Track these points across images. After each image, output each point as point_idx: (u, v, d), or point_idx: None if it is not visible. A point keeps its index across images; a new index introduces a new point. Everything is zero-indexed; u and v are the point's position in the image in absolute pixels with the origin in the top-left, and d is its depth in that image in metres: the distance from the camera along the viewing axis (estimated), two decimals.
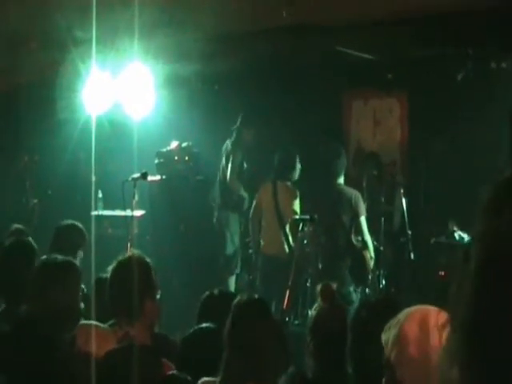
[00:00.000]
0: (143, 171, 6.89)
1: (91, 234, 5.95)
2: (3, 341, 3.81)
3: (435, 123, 8.49)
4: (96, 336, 3.63)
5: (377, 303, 3.37)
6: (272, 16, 6.94)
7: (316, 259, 7.61)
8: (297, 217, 7.51)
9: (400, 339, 2.19)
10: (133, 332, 3.67)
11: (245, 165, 8.65)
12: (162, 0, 6.54)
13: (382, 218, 7.88)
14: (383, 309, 2.92)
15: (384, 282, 7.79)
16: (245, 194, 8.56)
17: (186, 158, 9.24)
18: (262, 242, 7.91)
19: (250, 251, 8.39)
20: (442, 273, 7.50)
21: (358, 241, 7.56)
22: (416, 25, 7.31)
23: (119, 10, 6.24)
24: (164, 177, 9.29)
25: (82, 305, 4.26)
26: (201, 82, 9.46)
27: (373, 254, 7.55)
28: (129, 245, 6.51)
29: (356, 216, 7.50)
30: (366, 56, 8.44)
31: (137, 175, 6.83)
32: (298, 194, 7.73)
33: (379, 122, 9.37)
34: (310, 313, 4.12)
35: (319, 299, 3.67)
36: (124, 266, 3.79)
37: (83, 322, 3.91)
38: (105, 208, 9.19)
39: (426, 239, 8.06)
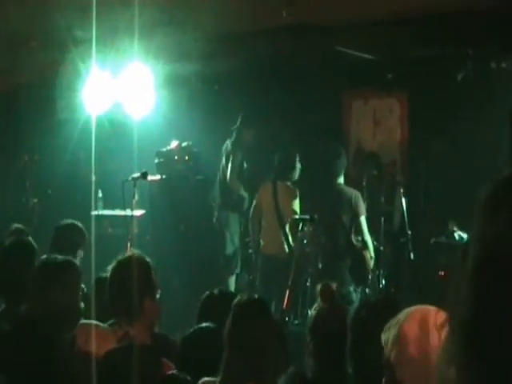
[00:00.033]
0: (143, 171, 6.89)
1: (91, 234, 5.95)
2: (3, 341, 3.81)
3: (435, 123, 8.49)
4: (96, 335, 3.63)
5: (377, 303, 3.37)
6: (272, 16, 6.94)
7: (316, 259, 7.61)
8: (297, 217, 7.50)
9: (400, 339, 2.19)
10: (133, 332, 3.67)
11: (245, 165, 8.65)
12: (162, 0, 6.54)
13: (382, 218, 7.89)
14: (383, 309, 2.92)
15: (384, 282, 7.79)
16: (245, 194, 8.56)
17: (186, 158, 9.24)
18: (261, 242, 7.91)
19: (250, 251, 8.39)
20: (442, 273, 7.51)
21: (357, 241, 7.56)
22: (416, 25, 7.31)
23: (119, 9, 6.24)
24: (164, 176, 9.29)
25: (82, 304, 4.26)
26: (201, 81, 9.46)
27: (373, 254, 7.55)
28: (129, 244, 6.51)
29: (356, 216, 7.49)
30: (366, 56, 8.44)
31: (137, 175, 6.83)
32: (297, 193, 7.73)
33: (379, 122, 9.37)
34: (309, 313, 4.12)
35: (319, 299, 3.67)
36: (124, 266, 3.79)
37: (83, 321, 3.91)
38: (105, 208, 9.19)
39: (426, 239, 8.06)
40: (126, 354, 3.26)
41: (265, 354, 3.19)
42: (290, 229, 7.65)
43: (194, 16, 6.74)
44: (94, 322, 3.83)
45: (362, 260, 7.51)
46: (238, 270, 8.64)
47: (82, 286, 4.50)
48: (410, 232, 7.83)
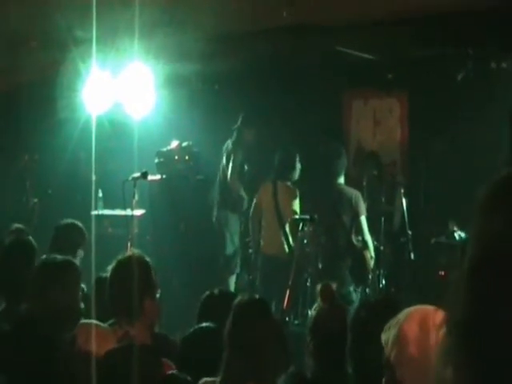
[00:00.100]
0: (143, 171, 6.89)
1: (91, 234, 5.95)
2: (3, 341, 3.81)
3: (435, 123, 8.49)
4: (96, 335, 3.63)
5: (376, 303, 3.38)
6: (272, 16, 6.94)
7: (316, 259, 7.61)
8: (297, 217, 7.51)
9: (400, 339, 2.19)
10: (133, 331, 3.67)
11: (245, 166, 8.65)
12: (163, 0, 6.54)
13: (382, 218, 7.89)
14: (383, 309, 2.92)
15: (384, 282, 7.79)
16: (244, 194, 8.57)
17: (187, 158, 9.24)
18: (261, 242, 7.91)
19: (250, 251, 8.39)
20: (442, 273, 7.51)
21: (358, 241, 7.56)
22: (416, 25, 7.31)
23: (119, 9, 6.24)
24: (164, 176, 9.29)
25: (82, 304, 4.26)
26: (201, 81, 9.46)
27: (373, 254, 7.55)
28: (129, 244, 6.51)
29: (356, 216, 7.49)
30: (366, 56, 8.44)
31: (137, 175, 6.83)
32: (297, 193, 7.73)
33: (379, 122, 9.37)
34: (309, 313, 4.13)
35: (319, 299, 3.67)
36: (124, 266, 3.79)
37: (83, 321, 3.91)
38: (105, 207, 9.19)
39: (426, 239, 8.06)
40: (126, 353, 3.26)
41: (265, 354, 3.19)
42: (290, 229, 7.65)
43: (194, 16, 6.74)
44: (94, 321, 3.83)
45: (363, 260, 7.51)
46: (237, 270, 8.64)
47: (82, 285, 4.51)
48: (410, 232, 7.83)
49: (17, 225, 6.16)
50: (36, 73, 8.58)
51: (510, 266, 1.06)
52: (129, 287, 3.63)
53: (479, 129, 7.91)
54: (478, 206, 1.13)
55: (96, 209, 8.52)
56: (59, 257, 4.20)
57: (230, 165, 8.51)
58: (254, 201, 8.06)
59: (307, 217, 7.03)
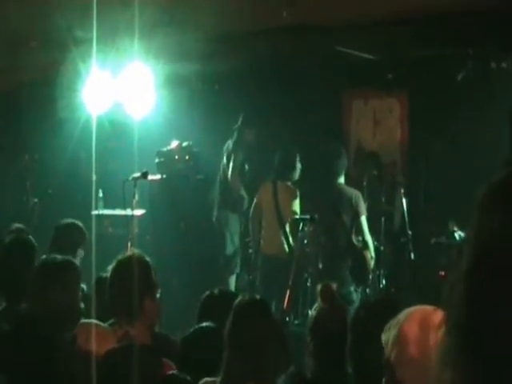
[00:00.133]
0: (144, 170, 6.89)
1: (91, 234, 5.95)
2: (3, 340, 3.81)
3: (435, 123, 8.49)
4: (96, 335, 3.63)
5: (376, 303, 3.38)
6: (272, 16, 6.94)
7: (316, 259, 7.61)
8: (297, 217, 7.51)
9: (400, 339, 2.19)
10: (133, 331, 3.67)
11: (246, 167, 8.65)
12: (163, 0, 6.55)
13: (383, 218, 7.89)
14: (383, 309, 2.92)
15: (384, 282, 7.79)
16: (244, 194, 8.57)
17: (187, 158, 9.24)
18: (262, 242, 7.91)
19: (250, 251, 8.39)
20: (442, 273, 7.50)
21: (358, 241, 7.55)
22: (416, 25, 7.31)
23: (120, 9, 6.25)
24: (164, 176, 9.29)
25: (82, 304, 4.26)
26: (201, 81, 9.46)
27: (373, 254, 7.55)
28: (129, 244, 6.51)
29: (356, 216, 7.49)
30: (366, 56, 8.44)
31: (137, 174, 6.83)
32: (298, 193, 7.73)
33: (379, 122, 9.37)
34: (310, 313, 4.12)
35: (319, 299, 3.67)
36: (124, 266, 3.80)
37: (83, 320, 3.91)
38: (105, 207, 9.19)
39: (427, 239, 8.06)
40: (126, 353, 3.26)
41: (265, 354, 3.19)
42: (291, 229, 7.65)
43: (194, 16, 6.74)
44: (94, 321, 3.83)
45: (363, 260, 7.51)
46: (237, 270, 8.64)
47: (82, 286, 4.51)
48: (410, 232, 7.83)
49: (17, 224, 6.16)
50: (36, 73, 8.58)
51: (510, 266, 1.06)
52: (129, 287, 3.63)
53: (479, 129, 7.91)
54: (477, 205, 1.14)
55: (96, 209, 8.52)
56: (59, 257, 4.21)
57: (231, 165, 8.51)
58: (254, 201, 8.06)
59: (307, 217, 7.03)
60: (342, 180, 7.69)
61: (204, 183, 9.29)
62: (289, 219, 7.66)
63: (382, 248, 7.81)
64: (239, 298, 3.38)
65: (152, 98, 8.50)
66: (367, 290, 7.56)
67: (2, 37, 7.31)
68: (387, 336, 2.24)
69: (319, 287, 3.73)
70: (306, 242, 7.58)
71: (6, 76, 8.80)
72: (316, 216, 6.95)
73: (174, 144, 9.27)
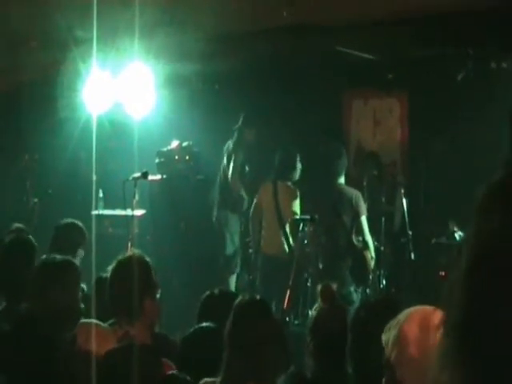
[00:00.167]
0: (144, 170, 6.89)
1: (92, 234, 5.95)
2: (3, 340, 3.81)
3: (435, 123, 8.49)
4: (96, 335, 3.63)
5: (377, 303, 3.38)
6: (272, 16, 6.94)
7: (316, 259, 7.60)
8: (297, 217, 7.51)
9: (400, 339, 2.20)
10: (133, 331, 3.67)
11: (246, 167, 8.65)
12: (163, 0, 6.55)
13: (383, 218, 7.89)
14: (383, 309, 2.92)
15: (384, 282, 7.79)
16: (244, 195, 8.57)
17: (187, 158, 9.24)
18: (262, 242, 7.91)
19: (250, 251, 8.39)
20: (443, 273, 7.50)
21: (358, 241, 7.55)
22: (416, 25, 7.31)
23: (120, 9, 6.25)
24: (164, 176, 9.29)
25: (82, 304, 4.26)
26: (201, 81, 9.46)
27: (373, 254, 7.54)
28: (129, 244, 6.51)
29: (357, 216, 7.49)
30: (366, 56, 8.44)
31: (137, 174, 6.84)
32: (298, 194, 7.73)
33: (379, 122, 9.37)
34: (310, 313, 4.13)
35: (319, 299, 3.68)
36: (124, 266, 3.80)
37: (83, 320, 3.91)
38: (105, 207, 9.19)
39: (427, 239, 8.06)
40: (126, 353, 3.26)
41: (265, 354, 3.19)
42: (291, 229, 7.65)
43: (194, 16, 6.75)
44: (94, 321, 3.83)
45: (363, 260, 7.51)
46: (238, 270, 8.64)
47: (82, 285, 4.51)
48: (410, 232, 7.83)
49: (17, 224, 6.15)
50: (36, 73, 8.58)
51: (510, 266, 1.06)
52: (129, 287, 3.63)
53: (479, 129, 7.91)
54: (477, 205, 1.14)
55: (96, 209, 8.52)
56: (59, 257, 4.21)
57: (231, 165, 8.51)
58: (255, 201, 8.06)
59: (307, 217, 7.03)
60: (342, 180, 7.69)
61: (204, 183, 9.29)
62: (289, 219, 7.66)
63: (382, 248, 7.81)
64: (239, 298, 3.38)
65: (152, 97, 8.51)
66: (367, 290, 7.56)
67: (2, 37, 7.31)
68: (387, 336, 2.24)
69: (319, 287, 3.73)
70: (306, 242, 7.58)
71: (6, 76, 8.80)
72: (316, 216, 6.95)
73: (174, 144, 9.27)
